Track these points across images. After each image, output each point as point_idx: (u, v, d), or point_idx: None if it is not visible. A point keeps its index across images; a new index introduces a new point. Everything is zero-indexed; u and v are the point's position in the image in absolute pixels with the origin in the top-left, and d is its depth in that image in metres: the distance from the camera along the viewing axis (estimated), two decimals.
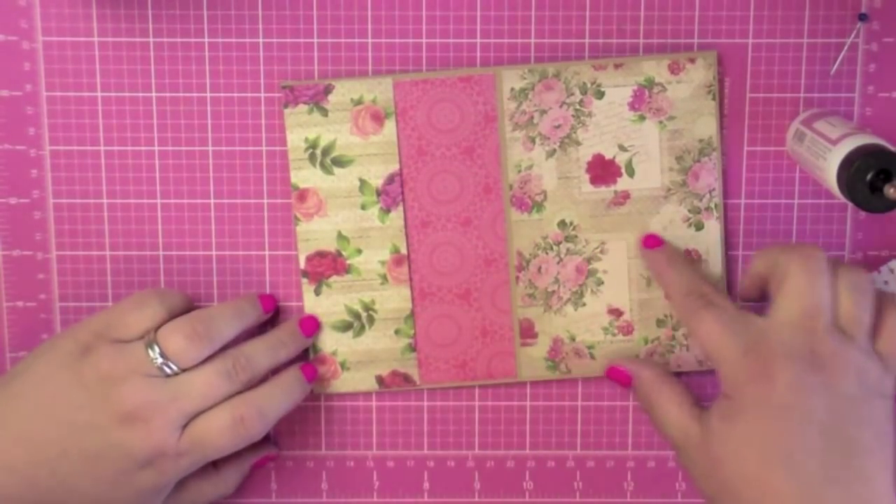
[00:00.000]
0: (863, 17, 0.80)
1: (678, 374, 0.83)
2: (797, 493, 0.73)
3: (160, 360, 0.75)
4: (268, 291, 0.83)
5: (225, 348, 0.79)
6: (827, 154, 0.74)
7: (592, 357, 0.83)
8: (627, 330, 0.83)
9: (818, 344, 0.74)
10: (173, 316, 0.78)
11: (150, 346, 0.76)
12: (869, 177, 0.71)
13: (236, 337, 0.80)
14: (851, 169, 0.71)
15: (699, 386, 0.85)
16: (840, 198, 0.73)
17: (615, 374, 0.83)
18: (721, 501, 0.76)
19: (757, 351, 0.74)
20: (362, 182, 0.82)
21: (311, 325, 0.83)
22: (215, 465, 0.82)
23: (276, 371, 0.82)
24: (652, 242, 0.83)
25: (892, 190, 0.70)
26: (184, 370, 0.76)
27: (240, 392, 0.78)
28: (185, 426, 0.76)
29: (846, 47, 0.81)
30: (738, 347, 0.75)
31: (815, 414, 0.73)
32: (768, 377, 0.74)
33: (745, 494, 0.74)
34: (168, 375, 0.76)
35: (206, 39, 0.81)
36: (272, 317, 0.83)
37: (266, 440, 0.84)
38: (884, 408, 0.75)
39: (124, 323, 0.77)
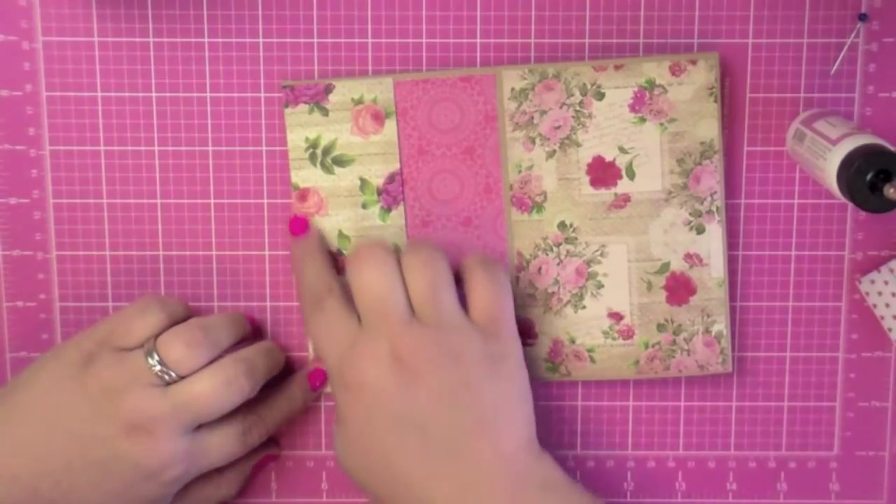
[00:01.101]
0: (863, 17, 0.80)
1: (679, 379, 0.83)
2: (404, 495, 0.74)
3: (159, 368, 0.75)
4: (268, 291, 0.83)
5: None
6: (827, 154, 0.74)
7: (593, 361, 0.83)
8: (627, 334, 0.83)
9: (397, 343, 0.74)
10: (174, 322, 0.78)
11: (149, 354, 0.76)
12: (869, 177, 0.70)
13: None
14: (851, 169, 0.71)
15: (701, 392, 0.85)
16: (840, 198, 0.73)
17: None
18: (367, 495, 0.77)
19: (344, 358, 0.75)
20: (363, 181, 0.82)
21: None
22: (217, 468, 0.82)
23: (284, 369, 0.83)
24: (298, 229, 0.82)
25: (892, 190, 0.70)
26: (183, 377, 0.76)
27: (242, 398, 0.78)
28: (193, 435, 0.76)
29: (846, 47, 0.81)
30: (334, 355, 0.76)
31: (404, 414, 0.73)
32: (353, 386, 0.74)
33: (368, 494, 0.76)
34: (168, 383, 0.76)
35: (206, 39, 0.81)
36: (279, 305, 0.84)
37: (268, 440, 0.84)
38: (496, 373, 0.75)
39: (126, 330, 0.77)
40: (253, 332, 0.83)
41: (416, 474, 0.74)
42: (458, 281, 0.78)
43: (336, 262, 0.82)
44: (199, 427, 0.77)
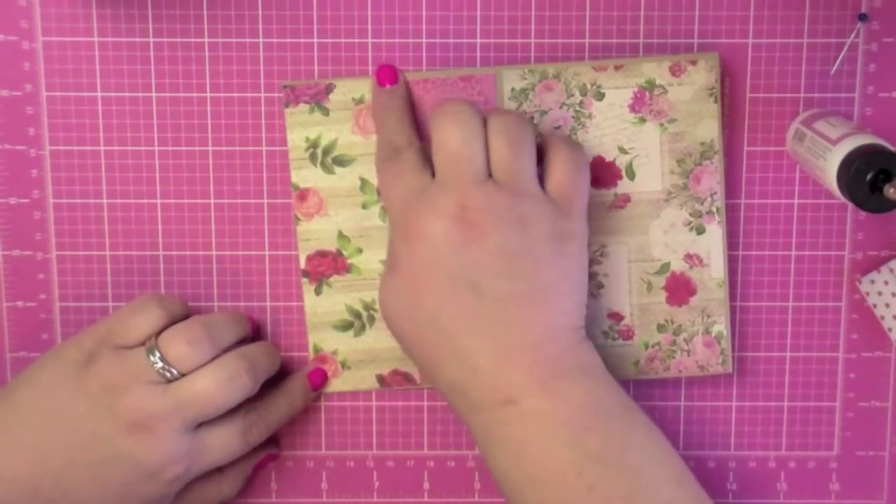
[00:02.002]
0: (863, 17, 0.80)
1: (679, 380, 0.83)
2: (446, 350, 0.74)
3: (160, 365, 0.75)
4: (268, 291, 0.83)
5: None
6: (827, 154, 0.74)
7: None
8: (627, 334, 0.83)
9: (466, 198, 0.73)
10: (174, 320, 0.78)
11: (150, 351, 0.76)
12: (869, 177, 0.70)
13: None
14: (851, 169, 0.71)
15: (701, 392, 0.85)
16: (840, 198, 0.73)
17: None
18: (403, 345, 0.78)
19: (410, 207, 0.74)
20: (363, 181, 0.82)
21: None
22: (218, 467, 0.82)
23: (284, 369, 0.83)
24: (385, 77, 0.80)
25: (892, 190, 0.70)
26: (184, 375, 0.76)
27: (244, 395, 0.78)
28: (195, 434, 0.77)
29: (846, 47, 0.81)
30: (399, 201, 0.75)
31: (462, 271, 0.73)
32: (416, 235, 0.73)
33: (405, 345, 0.76)
34: (169, 381, 0.76)
35: (206, 39, 0.81)
36: (279, 305, 0.84)
37: (268, 440, 0.84)
38: (559, 250, 0.74)
39: (126, 329, 0.77)
40: (253, 333, 0.83)
41: (462, 330, 0.73)
42: (540, 158, 0.77)
43: (336, 262, 0.83)
44: (200, 426, 0.77)
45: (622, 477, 0.72)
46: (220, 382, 0.76)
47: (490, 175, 0.74)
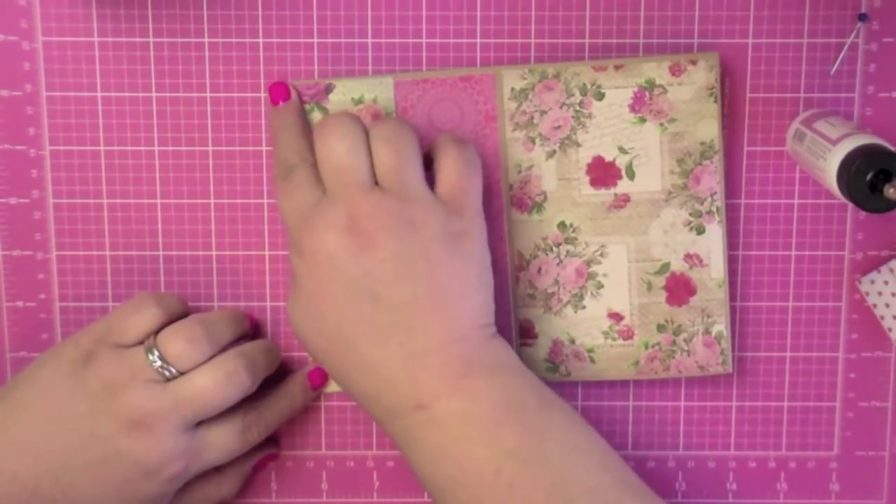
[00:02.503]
0: (863, 17, 0.80)
1: (679, 380, 0.83)
2: (354, 361, 0.74)
3: (159, 364, 0.75)
4: (268, 291, 0.83)
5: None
6: (827, 154, 0.74)
7: (592, 361, 0.83)
8: (627, 334, 0.83)
9: (353, 207, 0.73)
10: (172, 319, 0.78)
11: (149, 350, 0.76)
12: (869, 177, 0.70)
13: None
14: (851, 169, 0.71)
15: (701, 392, 0.85)
16: (840, 198, 0.73)
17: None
18: (315, 359, 0.77)
19: (303, 223, 0.74)
20: None
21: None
22: (217, 467, 0.82)
23: (284, 370, 0.84)
24: (278, 96, 0.81)
25: (892, 190, 0.70)
26: (183, 373, 0.76)
27: (243, 394, 0.78)
28: (194, 432, 0.77)
29: (846, 47, 0.81)
30: (293, 218, 0.75)
31: (358, 281, 0.73)
32: (310, 250, 0.74)
33: (317, 359, 0.76)
34: (168, 379, 0.76)
35: (206, 39, 0.81)
36: (279, 305, 0.84)
37: (268, 440, 0.84)
38: (455, 250, 0.74)
39: (123, 327, 0.77)
40: (253, 331, 0.83)
41: (366, 339, 0.73)
42: (429, 164, 0.77)
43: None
44: (200, 424, 0.77)
45: (542, 470, 0.72)
46: (218, 380, 0.76)
47: (377, 183, 0.75)
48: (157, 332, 0.77)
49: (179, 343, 0.76)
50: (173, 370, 0.76)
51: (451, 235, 0.74)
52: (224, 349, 0.78)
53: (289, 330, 0.84)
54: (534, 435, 0.72)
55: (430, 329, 0.73)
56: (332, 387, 0.84)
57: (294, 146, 0.78)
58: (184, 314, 0.80)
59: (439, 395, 0.73)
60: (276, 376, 0.82)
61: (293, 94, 0.80)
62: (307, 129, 0.80)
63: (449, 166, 0.76)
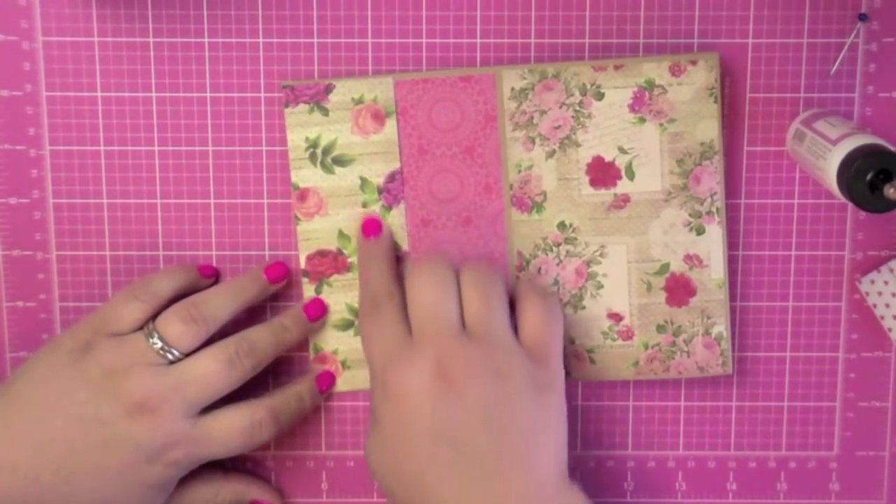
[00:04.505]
0: (863, 17, 0.80)
1: (679, 381, 0.83)
2: None
3: (159, 345, 0.76)
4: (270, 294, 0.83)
5: (229, 334, 0.79)
6: (827, 154, 0.74)
7: (592, 361, 0.83)
8: (627, 335, 0.83)
9: (442, 352, 0.74)
10: (168, 300, 0.79)
11: (149, 335, 0.77)
12: (869, 177, 0.70)
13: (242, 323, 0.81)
14: (851, 169, 0.71)
15: (701, 392, 0.85)
16: (840, 198, 0.73)
17: None
18: (390, 500, 0.77)
19: (389, 363, 0.75)
20: (363, 180, 0.82)
21: (317, 309, 0.83)
22: (223, 471, 0.83)
23: (286, 370, 0.83)
24: (370, 230, 0.82)
25: (892, 190, 0.70)
26: (186, 355, 0.77)
27: (244, 377, 0.78)
28: (198, 419, 0.77)
29: (846, 47, 0.81)
30: (379, 357, 0.76)
31: (442, 427, 0.73)
32: (395, 392, 0.74)
33: (393, 500, 0.76)
34: (171, 362, 0.77)
35: (206, 39, 0.81)
36: (279, 305, 0.84)
37: (272, 491, 0.85)
38: (538, 400, 0.74)
39: (119, 316, 0.78)
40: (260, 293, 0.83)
41: (446, 491, 0.73)
42: (512, 306, 0.78)
43: (336, 262, 0.83)
44: (204, 414, 0.78)
45: None
46: (220, 363, 0.77)
47: (464, 327, 0.75)
48: (153, 317, 0.78)
49: (177, 325, 0.77)
50: (175, 352, 0.77)
51: (536, 386, 0.75)
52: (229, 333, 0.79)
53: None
54: None
55: (512, 479, 0.73)
56: (334, 386, 0.84)
57: (383, 281, 0.79)
58: (183, 286, 0.80)
59: None
60: (285, 378, 0.83)
61: (385, 229, 0.81)
62: (395, 265, 0.81)
63: (532, 315, 0.77)
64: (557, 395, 0.76)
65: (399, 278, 0.80)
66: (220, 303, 0.79)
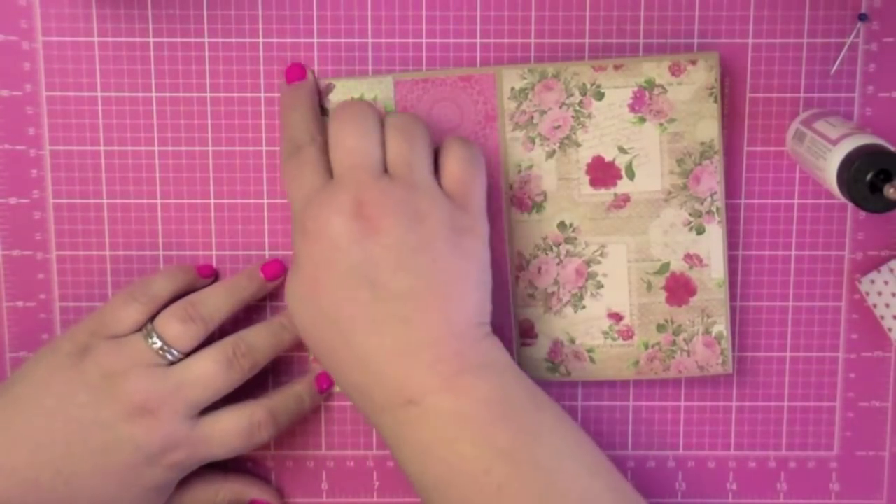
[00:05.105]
0: (863, 17, 0.80)
1: (679, 381, 0.83)
2: (347, 352, 0.73)
3: (159, 345, 0.76)
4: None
5: (228, 333, 0.80)
6: (827, 154, 0.74)
7: (592, 361, 0.83)
8: (627, 334, 0.83)
9: (362, 192, 0.73)
10: (166, 301, 0.79)
11: (148, 335, 0.77)
12: (869, 177, 0.70)
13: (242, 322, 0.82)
14: (851, 169, 0.71)
15: (701, 392, 0.85)
16: (840, 198, 0.73)
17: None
18: (307, 344, 0.77)
19: (310, 204, 0.74)
20: None
21: (274, 270, 0.83)
22: (224, 471, 0.83)
23: (286, 370, 0.84)
24: (293, 75, 0.81)
25: (892, 190, 0.70)
26: (186, 356, 0.77)
27: (243, 377, 0.78)
28: (197, 421, 0.77)
29: (846, 47, 0.81)
30: (300, 199, 0.75)
31: (359, 267, 0.72)
32: (314, 232, 0.73)
33: (309, 345, 0.76)
34: (171, 362, 0.77)
35: (206, 39, 0.81)
36: (279, 305, 0.84)
37: (271, 491, 0.85)
38: (458, 245, 0.74)
39: (118, 318, 0.78)
40: (260, 290, 0.83)
41: (361, 328, 0.73)
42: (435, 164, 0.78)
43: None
44: (204, 415, 0.78)
45: (534, 472, 0.71)
46: (218, 364, 0.77)
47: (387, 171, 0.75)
48: (151, 318, 0.78)
49: (175, 325, 0.77)
50: (175, 352, 0.77)
51: (456, 230, 0.74)
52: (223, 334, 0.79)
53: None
54: (526, 436, 0.72)
55: (428, 322, 0.72)
56: (339, 388, 0.84)
57: (304, 125, 0.78)
58: (180, 286, 0.80)
59: (431, 391, 0.72)
60: (285, 378, 0.83)
61: (309, 75, 0.80)
62: (318, 112, 0.80)
63: (453, 162, 0.76)
64: (479, 241, 0.75)
65: (322, 124, 0.79)
66: (218, 302, 0.79)
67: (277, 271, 0.82)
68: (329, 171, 0.75)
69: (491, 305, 0.76)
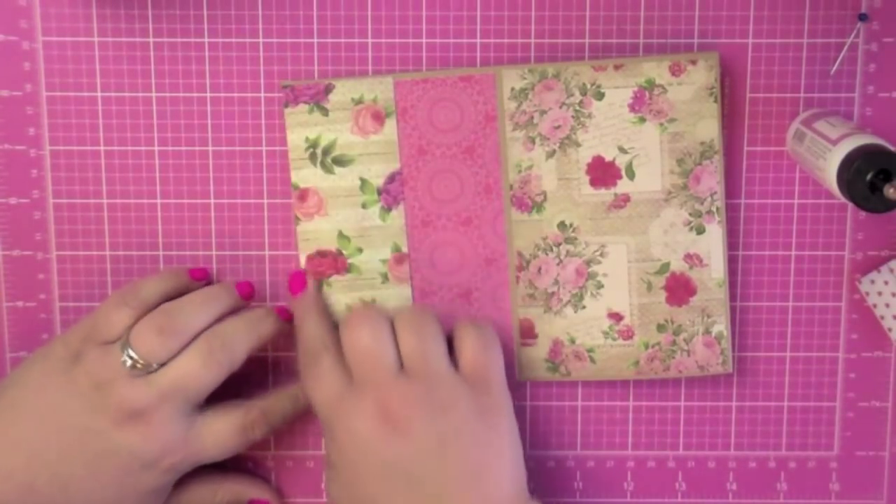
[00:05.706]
0: (863, 17, 0.80)
1: (679, 380, 0.83)
2: None
3: (130, 362, 0.75)
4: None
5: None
6: (827, 154, 0.74)
7: (592, 361, 0.83)
8: (627, 334, 0.83)
9: (383, 394, 0.75)
10: (157, 304, 0.78)
11: (123, 347, 0.76)
12: (869, 177, 0.70)
13: None
14: (851, 169, 0.71)
15: (701, 392, 0.85)
16: (840, 198, 0.73)
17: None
18: None
19: (333, 410, 0.76)
20: (363, 181, 0.82)
21: (247, 289, 0.82)
22: (222, 471, 0.83)
23: (285, 370, 0.84)
24: (296, 287, 0.82)
25: (892, 190, 0.70)
26: (163, 365, 0.76)
27: (224, 371, 0.77)
28: (191, 423, 0.77)
29: (846, 47, 0.81)
30: (323, 405, 0.77)
31: (393, 463, 0.74)
32: (343, 437, 0.75)
33: None
34: (150, 372, 0.76)
35: (206, 39, 0.81)
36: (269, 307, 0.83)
37: (270, 491, 0.85)
38: (486, 426, 0.75)
39: (108, 323, 0.78)
40: (248, 299, 0.82)
41: None
42: (451, 347, 0.79)
43: (336, 262, 0.83)
44: (198, 416, 0.78)
45: None
46: (196, 365, 0.76)
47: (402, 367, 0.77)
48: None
49: (150, 337, 0.76)
50: (154, 365, 0.76)
51: (481, 413, 0.76)
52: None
53: (290, 329, 0.83)
54: None
55: (466, 502, 0.74)
56: None
57: (317, 334, 0.80)
58: (169, 289, 0.80)
59: None
60: (283, 378, 0.83)
61: (309, 282, 0.82)
62: (327, 315, 0.82)
63: (468, 349, 0.78)
64: (505, 417, 0.77)
65: (333, 329, 0.81)
66: (196, 311, 0.78)
67: (248, 291, 0.82)
68: (347, 374, 0.77)
69: (526, 474, 0.78)
